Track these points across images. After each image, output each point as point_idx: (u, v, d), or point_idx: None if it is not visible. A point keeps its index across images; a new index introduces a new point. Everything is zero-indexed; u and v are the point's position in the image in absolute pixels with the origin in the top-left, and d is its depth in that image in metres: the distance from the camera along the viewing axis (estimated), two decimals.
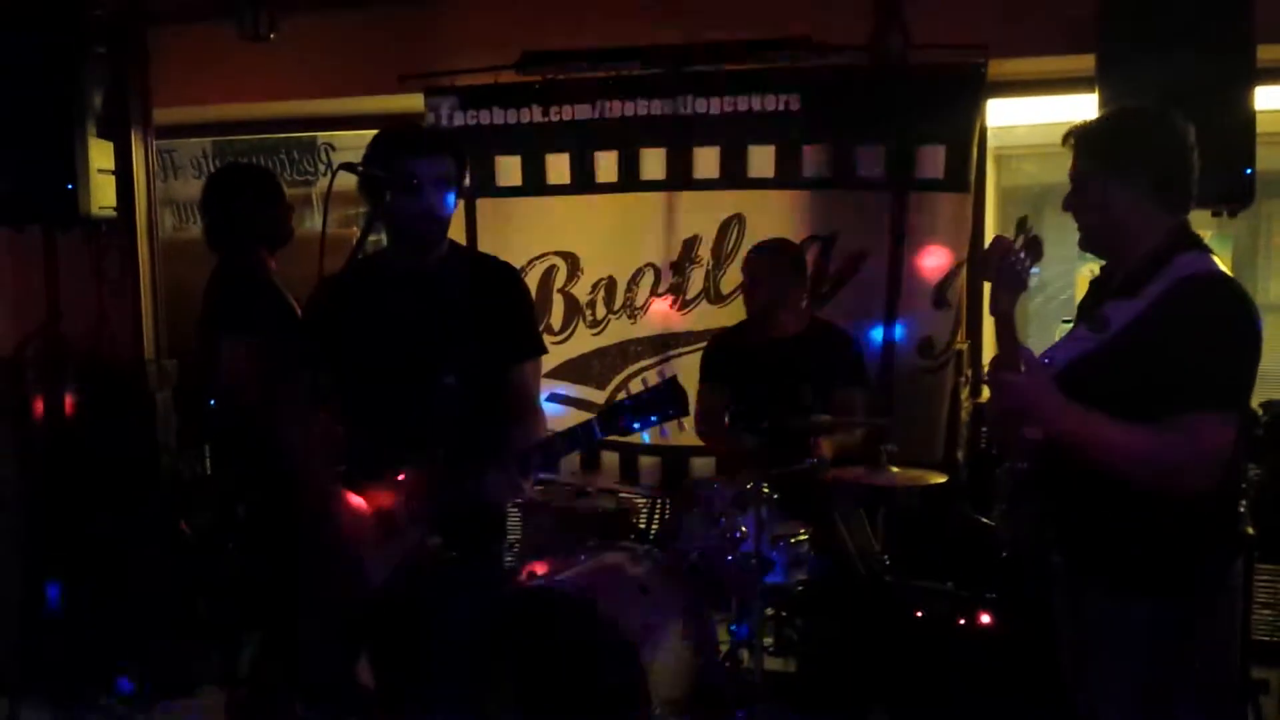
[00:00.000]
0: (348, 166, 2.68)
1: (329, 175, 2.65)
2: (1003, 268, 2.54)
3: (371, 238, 2.82)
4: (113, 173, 4.64)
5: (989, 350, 4.65)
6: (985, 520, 3.68)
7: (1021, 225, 2.60)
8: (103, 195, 4.55)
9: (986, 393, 3.91)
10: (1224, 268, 2.39)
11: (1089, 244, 2.54)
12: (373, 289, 2.83)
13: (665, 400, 2.51)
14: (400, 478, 2.68)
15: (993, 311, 2.61)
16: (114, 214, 4.64)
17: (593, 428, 2.57)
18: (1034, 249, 2.56)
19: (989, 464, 4.02)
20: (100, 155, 4.55)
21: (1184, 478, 2.26)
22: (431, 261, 2.82)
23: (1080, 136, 2.48)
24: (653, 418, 2.53)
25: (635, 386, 5.04)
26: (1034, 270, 2.60)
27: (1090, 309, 2.52)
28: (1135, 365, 2.33)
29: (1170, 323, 2.30)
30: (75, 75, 4.45)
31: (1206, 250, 2.42)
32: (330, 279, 2.80)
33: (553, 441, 2.69)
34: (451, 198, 2.76)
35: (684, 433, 4.27)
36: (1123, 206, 2.41)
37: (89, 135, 4.47)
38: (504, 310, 2.85)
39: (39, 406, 4.72)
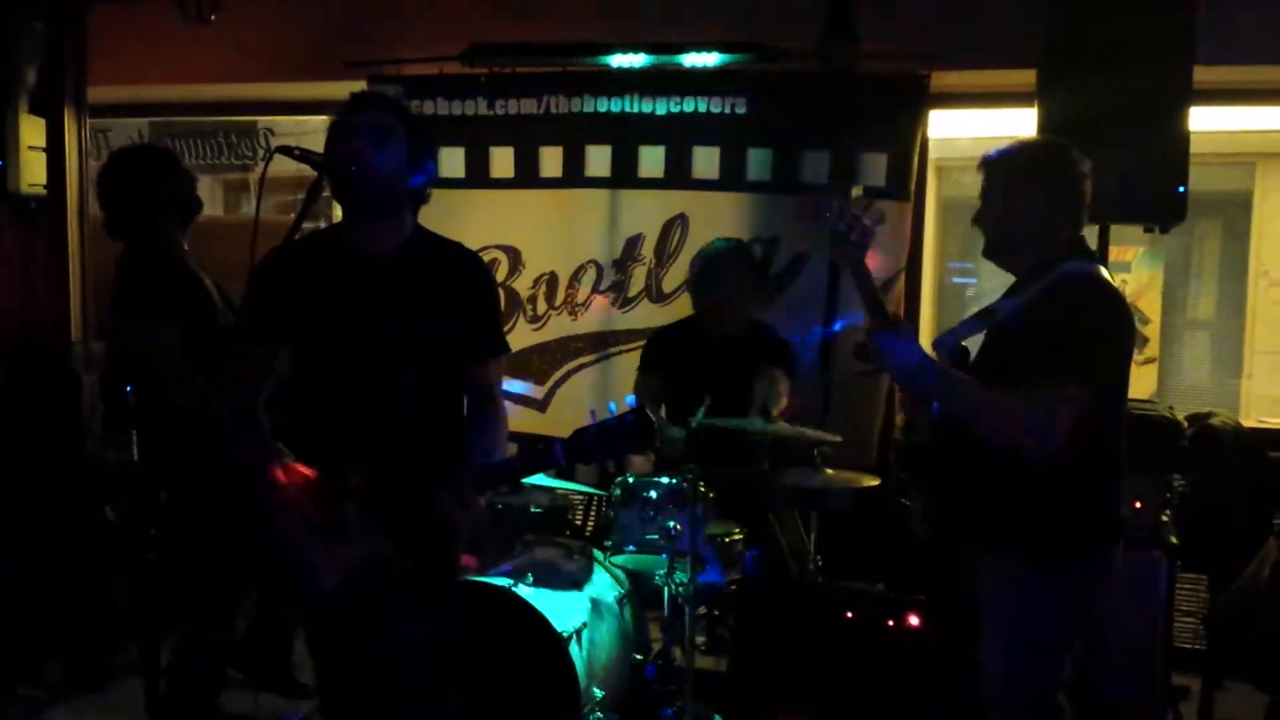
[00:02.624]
0: (283, 150, 2.56)
1: (265, 160, 2.54)
2: (836, 220, 2.75)
3: (309, 223, 2.73)
4: (44, 150, 4.53)
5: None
6: (905, 502, 3.77)
7: (843, 188, 2.94)
8: (32, 173, 4.44)
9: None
10: (1105, 274, 2.68)
11: (990, 251, 2.80)
12: (327, 268, 2.66)
13: (632, 431, 2.40)
14: (353, 481, 2.55)
15: (840, 264, 2.90)
16: (44, 192, 4.53)
17: (556, 453, 2.46)
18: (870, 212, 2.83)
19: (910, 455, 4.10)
20: (31, 132, 4.44)
21: (1029, 438, 2.50)
22: (392, 242, 2.67)
23: (991, 162, 2.77)
24: (618, 449, 2.49)
25: (575, 384, 5.05)
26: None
27: (987, 306, 2.84)
28: (1009, 347, 2.63)
29: (1041, 310, 2.58)
30: (9, 50, 4.34)
31: (1092, 259, 2.73)
32: (278, 251, 2.64)
33: (512, 463, 2.62)
34: (390, 153, 2.58)
35: None
36: (1014, 221, 2.70)
37: (20, 111, 4.36)
38: (470, 303, 2.71)
39: None
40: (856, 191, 2.94)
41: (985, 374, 2.64)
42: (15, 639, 4.39)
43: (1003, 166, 2.74)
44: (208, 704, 3.69)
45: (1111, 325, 2.60)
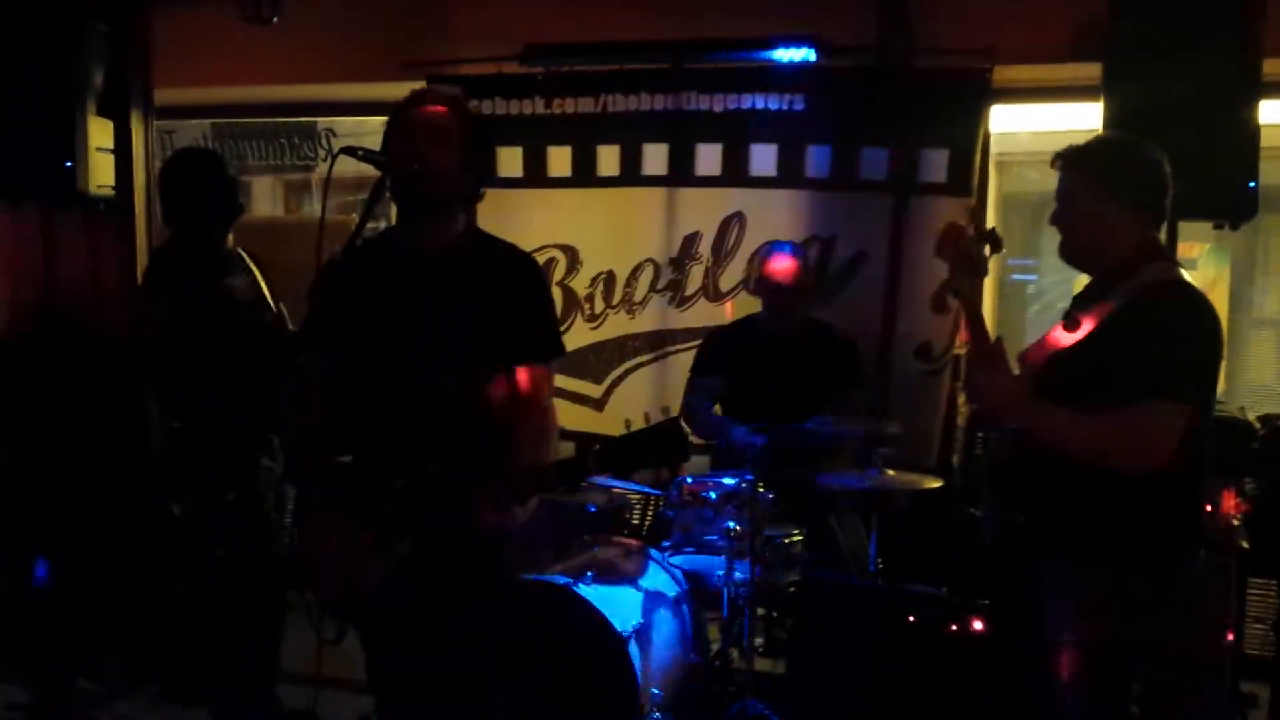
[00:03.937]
0: (348, 150, 2.57)
1: (329, 160, 2.54)
2: (958, 251, 2.80)
3: (371, 224, 2.74)
4: (112, 151, 4.61)
5: None
6: (973, 511, 3.73)
7: (980, 230, 2.98)
8: (101, 174, 4.53)
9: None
10: (1188, 278, 2.65)
11: (1068, 254, 2.75)
12: (380, 270, 2.67)
13: (665, 444, 2.41)
14: (394, 483, 2.56)
15: (953, 293, 2.91)
16: (112, 193, 4.62)
17: (588, 466, 2.48)
18: (992, 240, 2.88)
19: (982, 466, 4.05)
20: (100, 134, 4.53)
21: (1131, 459, 2.47)
22: (444, 243, 2.68)
23: (1068, 158, 2.70)
24: (651, 461, 2.48)
25: (632, 383, 5.04)
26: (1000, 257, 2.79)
27: (1069, 314, 2.75)
28: (1099, 360, 2.55)
29: (1132, 322, 2.52)
30: (76, 52, 4.42)
31: (1172, 262, 2.71)
32: (336, 259, 2.65)
33: (554, 470, 2.62)
34: (449, 151, 2.60)
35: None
36: (1101, 222, 2.64)
37: (89, 113, 4.45)
38: (518, 305, 2.69)
39: (32, 383, 4.69)
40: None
41: (1072, 386, 2.57)
42: (77, 633, 4.47)
43: (1086, 165, 2.66)
44: (267, 699, 3.75)
45: (1209, 337, 2.55)
